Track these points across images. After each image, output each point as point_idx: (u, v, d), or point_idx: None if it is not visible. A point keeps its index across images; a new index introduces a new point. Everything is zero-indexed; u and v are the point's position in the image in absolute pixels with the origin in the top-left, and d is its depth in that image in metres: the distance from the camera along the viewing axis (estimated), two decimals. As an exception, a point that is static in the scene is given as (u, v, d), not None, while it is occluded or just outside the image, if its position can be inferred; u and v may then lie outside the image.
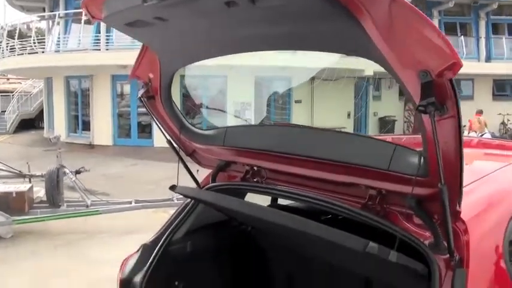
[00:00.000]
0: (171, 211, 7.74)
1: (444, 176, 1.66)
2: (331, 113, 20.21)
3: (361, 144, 2.19)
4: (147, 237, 2.89)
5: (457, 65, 1.50)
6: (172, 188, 2.55)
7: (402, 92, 24.65)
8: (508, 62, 23.17)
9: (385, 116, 22.99)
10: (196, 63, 2.46)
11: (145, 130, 20.09)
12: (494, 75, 23.97)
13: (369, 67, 18.96)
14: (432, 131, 1.60)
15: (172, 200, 8.83)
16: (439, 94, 1.56)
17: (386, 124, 22.41)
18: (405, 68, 1.62)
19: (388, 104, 23.27)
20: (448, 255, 1.90)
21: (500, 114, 22.90)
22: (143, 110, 19.78)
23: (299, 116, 20.30)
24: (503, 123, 23.26)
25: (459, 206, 1.82)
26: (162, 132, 2.73)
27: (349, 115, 22.10)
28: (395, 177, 1.97)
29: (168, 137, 2.76)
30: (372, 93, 23.09)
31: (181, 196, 9.01)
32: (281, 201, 3.20)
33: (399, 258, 1.82)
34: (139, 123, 20.26)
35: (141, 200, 8.91)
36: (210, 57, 2.38)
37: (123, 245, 6.95)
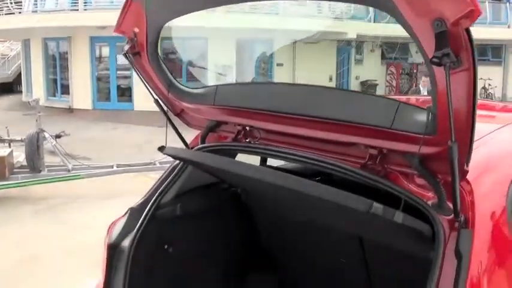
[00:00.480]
0: (153, 175, 7.66)
1: (455, 133, 1.57)
2: (313, 77, 20.06)
3: (362, 102, 2.08)
4: (130, 201, 2.78)
5: (475, 13, 1.38)
6: (161, 149, 2.41)
7: (384, 56, 24.68)
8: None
9: (366, 80, 22.92)
10: (177, 23, 2.31)
11: (125, 94, 19.69)
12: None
13: (351, 30, 18.81)
14: (446, 85, 1.49)
15: (154, 164, 8.72)
16: (454, 45, 1.44)
17: (368, 88, 22.36)
18: (418, 17, 1.49)
19: (370, 68, 23.19)
20: (451, 216, 1.83)
21: (481, 79, 22.96)
22: (123, 73, 19.62)
23: (281, 80, 20.13)
24: (484, 87, 23.33)
25: (467, 165, 1.73)
26: (149, 90, 2.57)
27: (331, 79, 21.98)
28: (398, 136, 1.87)
29: (155, 96, 2.61)
30: (354, 57, 22.96)
31: (164, 160, 8.91)
32: (271, 164, 3.10)
33: (405, 219, 1.73)
34: (118, 87, 19.83)
35: (123, 164, 8.77)
36: (200, 9, 2.22)
37: (105, 210, 6.86)
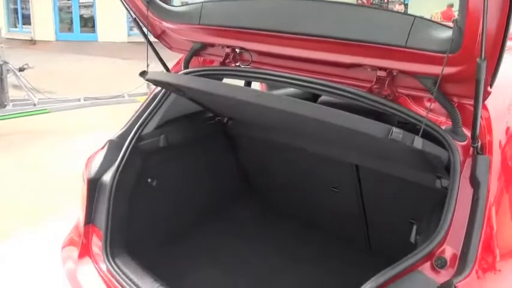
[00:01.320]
0: (122, 108, 7.31)
1: (485, 49, 1.38)
2: None
3: (369, 17, 1.85)
4: (102, 135, 2.56)
5: None
6: (143, 74, 2.16)
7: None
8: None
9: None
10: None
11: (87, 24, 18.76)
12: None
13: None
14: None
15: (123, 97, 8.37)
16: None
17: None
18: None
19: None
20: (466, 142, 1.69)
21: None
22: (85, 1, 18.48)
23: None
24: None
25: (491, 87, 1.57)
26: (127, 9, 2.28)
27: None
28: (413, 55, 1.67)
29: (134, 15, 2.32)
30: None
31: (133, 92, 8.53)
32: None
33: (424, 145, 1.58)
34: (81, 17, 18.84)
35: (90, 97, 8.37)
36: None
37: (75, 144, 6.60)
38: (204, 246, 2.87)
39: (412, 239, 1.81)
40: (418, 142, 1.57)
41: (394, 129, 1.54)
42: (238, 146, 3.00)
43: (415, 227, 1.81)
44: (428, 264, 1.58)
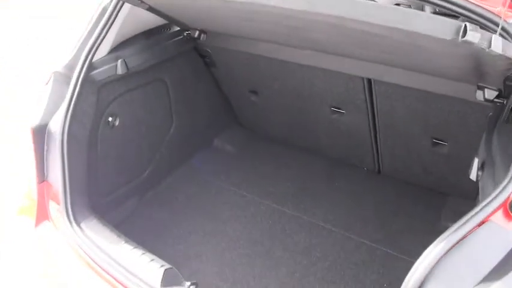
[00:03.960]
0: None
1: None
2: None
3: None
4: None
5: None
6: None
7: None
8: None
9: None
10: None
11: None
12: None
13: None
14: None
15: None
16: None
17: None
18: None
19: None
20: None
21: None
22: None
23: None
24: None
25: None
26: None
27: None
28: None
29: None
30: None
31: None
32: None
33: (505, 48, 1.10)
34: None
35: None
36: None
37: None
38: (182, 192, 2.38)
39: (473, 175, 1.40)
40: (497, 44, 1.09)
41: (468, 25, 1.06)
42: (215, 65, 2.42)
43: (476, 161, 1.39)
44: (501, 211, 1.19)
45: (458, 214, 2.13)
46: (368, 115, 2.13)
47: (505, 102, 1.62)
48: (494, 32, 1.15)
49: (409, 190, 2.32)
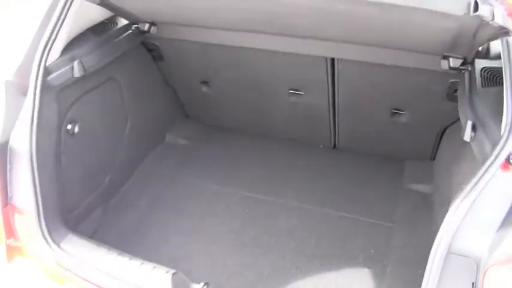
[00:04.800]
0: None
1: None
2: None
3: None
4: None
5: None
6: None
7: None
8: None
9: None
10: None
11: None
12: None
13: None
14: None
15: None
16: None
17: None
18: None
19: None
20: None
21: None
22: None
23: None
24: None
25: None
26: None
27: None
28: None
29: None
30: None
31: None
32: None
33: (506, 21, 1.18)
34: None
35: None
36: None
37: None
38: (147, 193, 2.25)
39: (467, 136, 1.48)
40: (499, 16, 1.17)
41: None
42: (163, 59, 2.29)
43: (470, 123, 1.48)
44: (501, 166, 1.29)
45: (418, 175, 2.29)
46: (328, 94, 2.17)
47: (469, 68, 1.75)
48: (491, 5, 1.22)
49: (366, 160, 2.42)
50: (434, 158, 2.33)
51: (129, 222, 2.08)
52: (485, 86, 1.61)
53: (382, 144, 2.35)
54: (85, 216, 1.99)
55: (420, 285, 1.42)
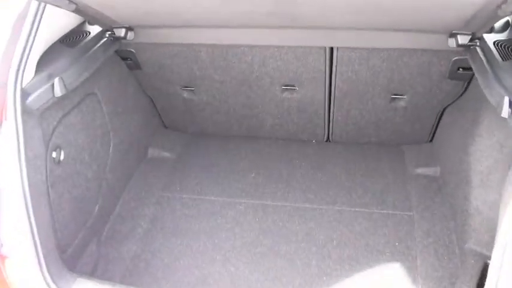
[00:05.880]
0: None
1: None
2: None
3: None
4: None
5: None
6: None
7: None
8: None
9: None
10: None
11: None
12: None
13: None
14: None
15: None
16: None
17: None
18: None
19: None
20: None
21: None
22: None
23: None
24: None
25: None
26: None
27: None
28: None
29: None
30: None
31: None
32: None
33: None
34: None
35: None
36: None
37: None
38: (141, 216, 2.00)
39: (505, 113, 1.39)
40: None
41: None
42: (139, 67, 2.04)
43: (507, 99, 1.39)
44: None
45: (420, 159, 2.21)
46: (325, 85, 2.03)
47: (478, 43, 1.67)
48: None
49: (363, 150, 2.31)
50: (431, 140, 2.27)
51: (129, 252, 1.84)
52: (506, 59, 1.54)
53: (378, 131, 2.25)
54: (80, 254, 1.73)
55: (453, 276, 1.44)
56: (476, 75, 1.63)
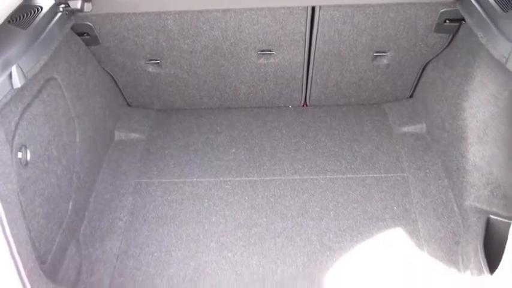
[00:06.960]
0: None
1: None
2: None
3: None
4: None
5: None
6: None
7: None
8: None
9: None
10: None
11: None
12: None
13: None
14: None
15: None
16: None
17: None
18: None
19: None
20: None
21: None
22: None
23: None
24: None
25: None
26: None
27: None
28: None
29: None
30: None
31: None
32: None
33: None
34: None
35: None
36: None
37: None
38: (120, 208, 1.81)
39: (510, 64, 1.31)
40: None
41: None
42: (98, 42, 1.79)
43: None
44: None
45: (404, 117, 2.14)
46: (304, 48, 1.88)
47: None
48: None
49: (343, 112, 2.21)
50: (411, 96, 2.20)
51: (113, 250, 1.67)
52: (506, 10, 1.45)
53: (359, 91, 2.15)
54: (60, 260, 1.55)
55: (456, 235, 1.50)
56: (473, 28, 1.54)
